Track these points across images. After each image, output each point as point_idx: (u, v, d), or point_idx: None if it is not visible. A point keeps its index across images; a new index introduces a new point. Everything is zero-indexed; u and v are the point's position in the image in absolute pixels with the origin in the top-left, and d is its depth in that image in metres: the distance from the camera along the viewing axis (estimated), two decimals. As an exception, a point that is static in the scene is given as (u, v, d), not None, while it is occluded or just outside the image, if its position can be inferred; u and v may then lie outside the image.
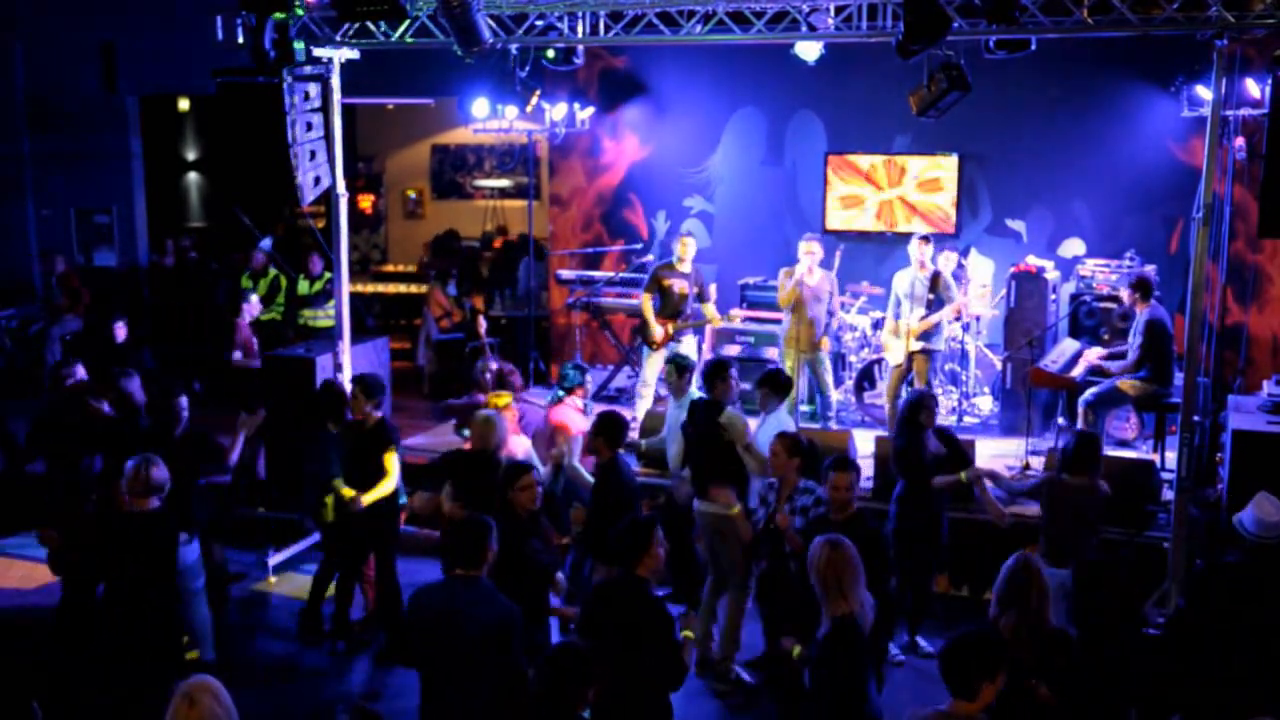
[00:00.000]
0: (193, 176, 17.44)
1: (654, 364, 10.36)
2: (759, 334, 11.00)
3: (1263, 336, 10.68)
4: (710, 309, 10.29)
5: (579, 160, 13.07)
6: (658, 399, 10.90)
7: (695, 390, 8.14)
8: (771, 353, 10.79)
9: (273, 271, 12.64)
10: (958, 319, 10.38)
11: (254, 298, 11.82)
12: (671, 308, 10.19)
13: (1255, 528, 5.70)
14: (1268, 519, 5.70)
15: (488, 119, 12.41)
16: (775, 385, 7.51)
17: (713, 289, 10.66)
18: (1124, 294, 9.28)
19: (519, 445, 7.77)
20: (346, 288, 9.79)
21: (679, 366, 8.15)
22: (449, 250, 15.86)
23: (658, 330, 10.19)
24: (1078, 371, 9.38)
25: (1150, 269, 10.22)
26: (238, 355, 11.36)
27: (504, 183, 16.95)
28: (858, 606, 4.86)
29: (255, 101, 8.40)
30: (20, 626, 8.15)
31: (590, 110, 12.48)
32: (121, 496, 6.29)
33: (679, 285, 10.17)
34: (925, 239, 9.93)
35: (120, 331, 10.46)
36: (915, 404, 7.38)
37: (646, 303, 10.26)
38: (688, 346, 10.36)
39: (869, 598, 5.01)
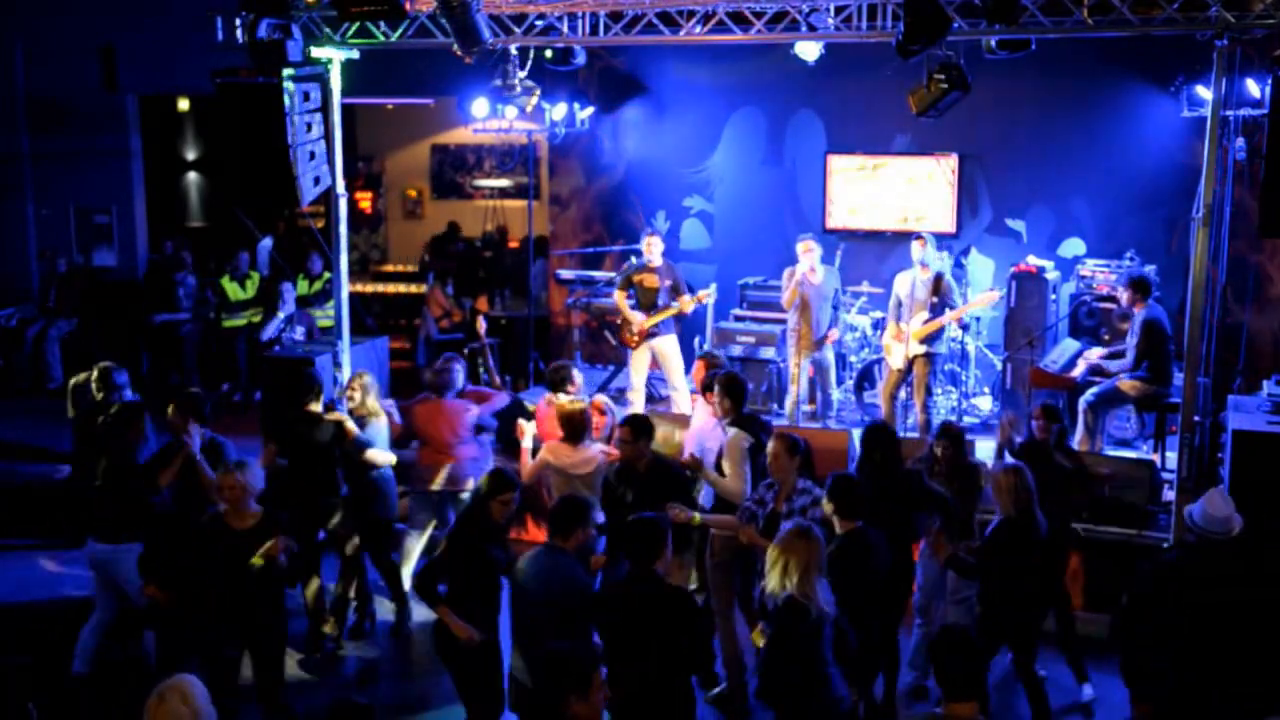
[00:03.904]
0: (192, 176, 17.43)
1: (639, 365, 10.38)
2: (759, 334, 10.99)
3: (1263, 336, 10.68)
4: (682, 298, 10.28)
5: (579, 160, 13.06)
6: (658, 399, 10.92)
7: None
8: (769, 353, 10.79)
9: (255, 274, 12.77)
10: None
11: (287, 285, 11.90)
12: (647, 301, 10.27)
13: (1201, 520, 5.66)
14: (1215, 513, 5.64)
15: (487, 119, 12.41)
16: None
17: (712, 288, 10.67)
18: (1121, 294, 9.28)
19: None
20: (346, 288, 9.79)
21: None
22: (446, 251, 15.86)
23: (637, 317, 10.22)
24: (1078, 372, 9.38)
25: (1150, 269, 10.22)
26: (299, 334, 11.36)
27: (504, 183, 16.95)
28: (801, 595, 5.08)
29: (255, 101, 8.37)
30: (19, 627, 8.17)
31: (590, 110, 12.47)
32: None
33: (649, 280, 10.27)
34: (923, 239, 9.91)
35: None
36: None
37: (622, 299, 10.36)
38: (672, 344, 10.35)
39: (827, 594, 5.19)
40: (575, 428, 7.22)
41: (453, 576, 6.09)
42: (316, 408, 7.84)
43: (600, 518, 6.84)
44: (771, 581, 5.18)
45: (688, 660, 5.20)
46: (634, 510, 6.75)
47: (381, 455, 7.87)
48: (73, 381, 8.41)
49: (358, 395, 8.00)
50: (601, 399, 8.15)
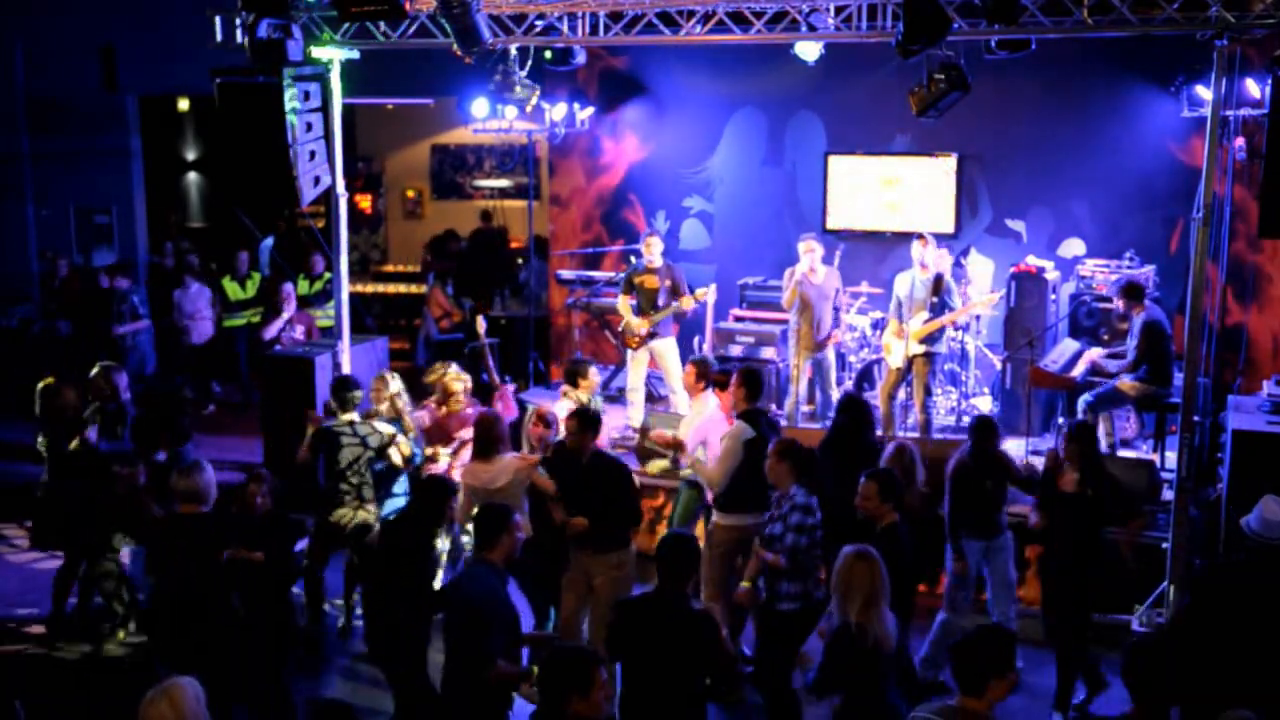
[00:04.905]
0: (193, 176, 17.44)
1: (638, 367, 10.37)
2: (759, 334, 10.98)
3: (1263, 336, 10.68)
4: (682, 298, 10.24)
5: (579, 160, 13.06)
6: (659, 399, 10.92)
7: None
8: (769, 353, 10.78)
9: (256, 274, 12.78)
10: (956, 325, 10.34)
11: (289, 286, 11.90)
12: (647, 303, 10.25)
13: (1259, 526, 5.73)
14: (1272, 519, 5.71)
15: (487, 119, 12.41)
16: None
17: (712, 288, 10.65)
18: (1116, 302, 9.28)
19: None
20: (346, 288, 9.80)
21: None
22: (446, 251, 15.86)
23: (635, 321, 10.19)
24: (1078, 371, 9.37)
25: (1150, 269, 10.23)
26: (299, 333, 11.34)
27: (504, 183, 16.95)
28: (868, 621, 4.92)
29: (255, 101, 8.38)
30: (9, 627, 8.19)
31: (590, 110, 12.47)
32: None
33: (649, 281, 10.25)
34: (925, 238, 9.91)
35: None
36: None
37: (624, 304, 10.34)
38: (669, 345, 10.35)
39: (890, 616, 5.03)
40: (485, 440, 7.00)
41: (389, 577, 6.19)
42: (355, 417, 7.85)
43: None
44: (837, 609, 5.04)
45: (709, 676, 5.11)
46: (576, 498, 6.68)
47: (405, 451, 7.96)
48: (40, 384, 8.46)
49: (387, 400, 8.06)
50: (546, 409, 7.72)
